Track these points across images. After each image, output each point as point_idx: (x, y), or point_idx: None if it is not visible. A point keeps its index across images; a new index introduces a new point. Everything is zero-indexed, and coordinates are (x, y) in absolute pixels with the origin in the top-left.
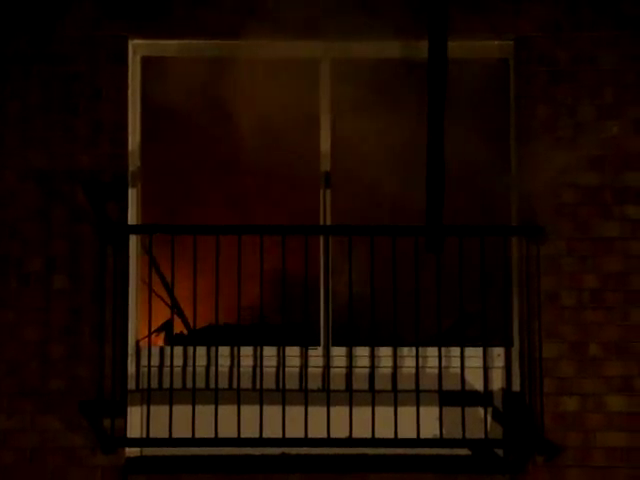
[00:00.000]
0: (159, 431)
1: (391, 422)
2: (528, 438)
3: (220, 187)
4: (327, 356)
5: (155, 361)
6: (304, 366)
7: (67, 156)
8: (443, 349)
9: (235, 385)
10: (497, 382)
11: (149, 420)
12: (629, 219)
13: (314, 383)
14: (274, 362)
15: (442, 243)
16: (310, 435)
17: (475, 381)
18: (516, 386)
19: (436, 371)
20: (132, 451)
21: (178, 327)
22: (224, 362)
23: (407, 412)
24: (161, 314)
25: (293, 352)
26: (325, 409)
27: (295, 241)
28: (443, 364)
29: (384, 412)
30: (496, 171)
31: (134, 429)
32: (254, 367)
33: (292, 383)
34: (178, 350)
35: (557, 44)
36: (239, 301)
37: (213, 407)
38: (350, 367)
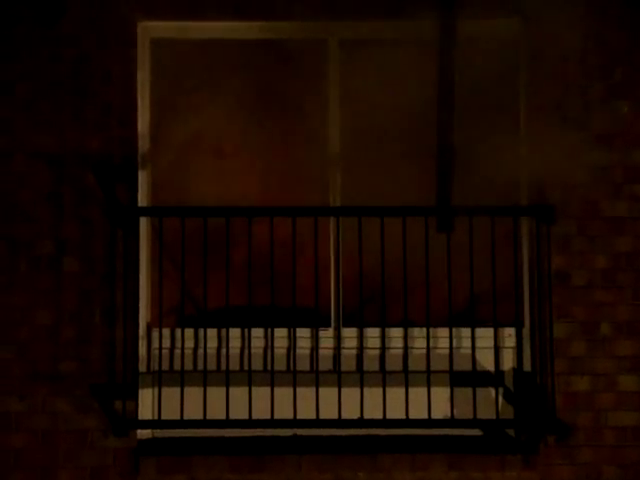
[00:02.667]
0: (170, 413)
1: (402, 403)
2: (539, 418)
3: (228, 169)
4: (338, 337)
5: (166, 343)
6: (315, 347)
7: (77, 139)
8: (454, 329)
9: (246, 367)
10: (508, 362)
11: (160, 402)
12: (639, 198)
13: (325, 364)
14: (285, 344)
15: (452, 223)
16: (321, 416)
17: (486, 361)
18: (527, 366)
19: (447, 352)
20: (144, 433)
21: (189, 309)
22: (235, 344)
23: (418, 393)
24: (172, 296)
25: (304, 333)
26: (336, 390)
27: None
28: (454, 345)
29: (395, 393)
30: (506, 151)
31: (145, 411)
32: (265, 349)
33: (303, 364)
34: (189, 332)
35: (567, 23)
36: (249, 282)
37: (224, 389)
38: (361, 348)
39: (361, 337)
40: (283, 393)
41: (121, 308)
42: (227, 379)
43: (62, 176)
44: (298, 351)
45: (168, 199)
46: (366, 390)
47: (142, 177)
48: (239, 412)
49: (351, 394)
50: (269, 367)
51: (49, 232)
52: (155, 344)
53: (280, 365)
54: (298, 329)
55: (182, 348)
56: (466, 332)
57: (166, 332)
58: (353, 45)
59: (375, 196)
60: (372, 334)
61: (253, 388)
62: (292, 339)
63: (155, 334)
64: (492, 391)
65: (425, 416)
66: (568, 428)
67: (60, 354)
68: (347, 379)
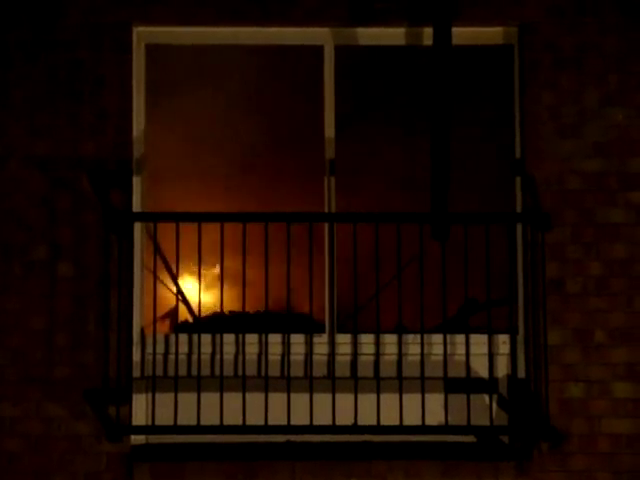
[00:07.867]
0: (164, 419)
1: (396, 409)
2: (533, 425)
3: (224, 174)
4: (332, 343)
5: (160, 349)
6: (309, 354)
7: (71, 143)
8: (448, 336)
9: (240, 373)
10: (502, 369)
11: (154, 408)
12: (634, 205)
13: (319, 371)
14: (279, 350)
15: (447, 230)
16: (315, 422)
17: (480, 368)
18: (521, 373)
19: (441, 358)
20: (137, 439)
21: (183, 315)
22: (229, 350)
23: (412, 399)
24: (166, 302)
25: (298, 340)
26: (330, 396)
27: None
28: (448, 351)
29: (389, 399)
30: (501, 158)
31: (139, 417)
32: (259, 355)
33: (297, 371)
34: (183, 338)
35: (562, 30)
36: (244, 289)
37: (218, 395)
38: (355, 354)
39: (355, 343)
40: (277, 399)
41: (115, 313)
42: (221, 385)
43: (56, 181)
44: (292, 357)
45: (162, 204)
46: (360, 396)
47: (136, 182)
48: (233, 418)
49: (345, 400)
50: (263, 373)
51: (43, 237)
52: (149, 349)
53: (274, 371)
54: (292, 335)
55: (176, 354)
56: (460, 339)
57: (160, 337)
58: (348, 51)
59: (370, 202)
60: (366, 340)
61: (247, 394)
62: (286, 345)
63: (149, 339)
64: (486, 398)
65: (419, 422)
66: (562, 435)
67: (54, 359)
68: (341, 385)
